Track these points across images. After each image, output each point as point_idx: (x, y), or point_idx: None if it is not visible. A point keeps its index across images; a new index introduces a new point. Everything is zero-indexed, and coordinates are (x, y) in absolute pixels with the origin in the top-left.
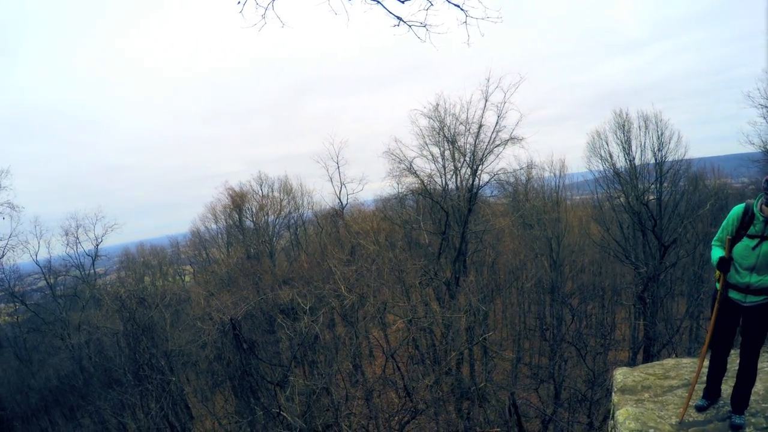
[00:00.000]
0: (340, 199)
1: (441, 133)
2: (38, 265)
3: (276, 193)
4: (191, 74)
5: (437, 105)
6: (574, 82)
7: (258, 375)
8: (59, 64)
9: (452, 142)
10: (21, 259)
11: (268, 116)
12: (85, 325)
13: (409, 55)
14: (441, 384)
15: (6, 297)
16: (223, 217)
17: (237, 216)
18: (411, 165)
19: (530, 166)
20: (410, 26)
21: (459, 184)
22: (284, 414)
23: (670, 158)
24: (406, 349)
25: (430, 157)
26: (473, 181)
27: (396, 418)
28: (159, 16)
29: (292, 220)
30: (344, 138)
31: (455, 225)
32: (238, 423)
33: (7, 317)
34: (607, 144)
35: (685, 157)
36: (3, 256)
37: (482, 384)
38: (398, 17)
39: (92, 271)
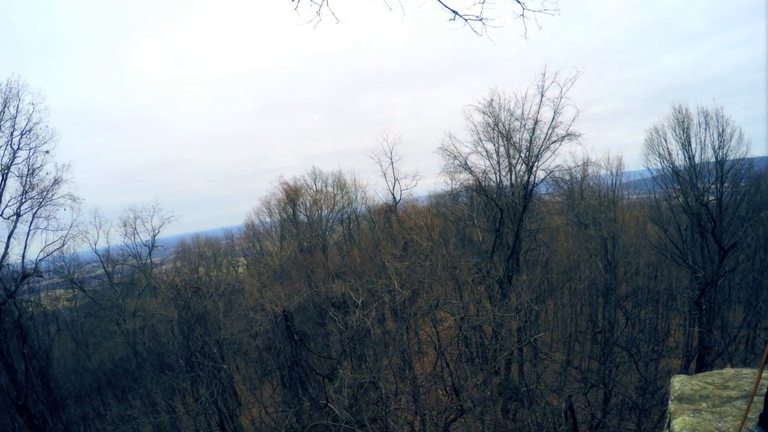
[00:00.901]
0: (393, 195)
1: (495, 128)
2: (97, 254)
3: (330, 188)
4: (248, 71)
5: (491, 100)
6: (631, 76)
7: (307, 366)
8: (120, 64)
9: (507, 138)
10: (81, 248)
11: (323, 112)
12: (141, 312)
13: (463, 50)
14: (489, 383)
15: (66, 283)
16: (277, 210)
17: (291, 210)
18: (466, 161)
19: (586, 163)
20: (466, 20)
21: (514, 181)
22: (331, 406)
23: (731, 157)
24: (456, 346)
25: (485, 153)
26: (528, 178)
27: (443, 416)
28: (217, 15)
29: (345, 215)
30: (398, 134)
31: (509, 222)
32: (285, 412)
33: (66, 302)
34: (666, 141)
35: (747, 156)
36: (64, 245)
37: (533, 385)
38: (454, 11)
39: (149, 260)
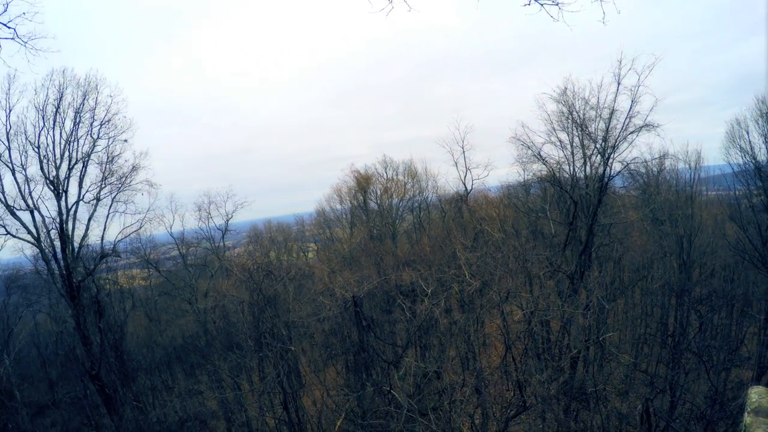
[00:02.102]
0: (464, 184)
1: (570, 118)
2: (172, 237)
3: (400, 177)
4: (325, 61)
5: (565, 89)
6: (710, 63)
7: (373, 352)
8: (196, 56)
9: (582, 127)
10: (157, 230)
11: (394, 101)
12: (213, 293)
13: (536, 36)
14: (554, 381)
15: (142, 263)
16: (348, 198)
17: (362, 197)
18: (539, 152)
19: (664, 156)
20: (542, 5)
21: (588, 173)
22: (394, 393)
23: None
24: (523, 341)
25: (558, 143)
26: (604, 170)
27: (505, 411)
28: (292, 6)
29: (416, 204)
30: (470, 122)
31: (582, 216)
32: (347, 396)
33: (141, 281)
34: (748, 134)
35: None
36: (141, 227)
37: (601, 386)
38: None
39: (221, 244)
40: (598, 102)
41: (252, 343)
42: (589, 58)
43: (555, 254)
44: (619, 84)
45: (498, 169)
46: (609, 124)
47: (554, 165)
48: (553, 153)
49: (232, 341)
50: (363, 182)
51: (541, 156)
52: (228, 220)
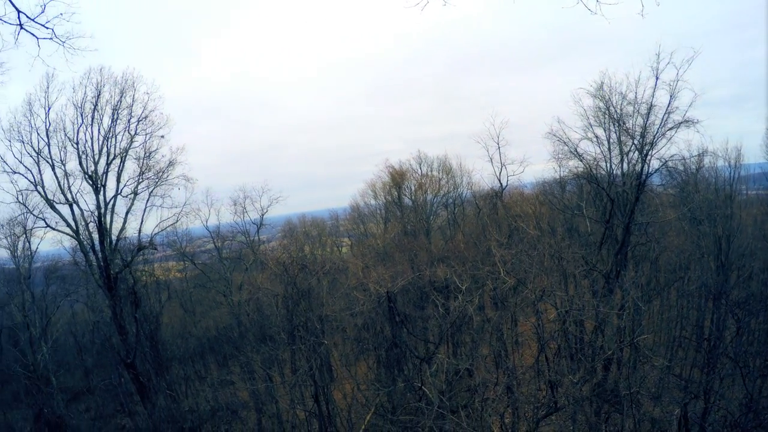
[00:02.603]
0: (499, 180)
1: (607, 113)
2: (208, 230)
3: (435, 172)
4: (358, 56)
5: (602, 83)
6: (750, 57)
7: (405, 348)
8: (234, 53)
9: (619, 123)
10: (193, 224)
11: (429, 96)
12: (247, 285)
13: (572, 29)
14: (585, 382)
15: (177, 256)
16: (382, 193)
17: (396, 193)
18: (576, 148)
19: (703, 153)
20: None
21: (626, 170)
22: (425, 389)
23: None
24: (557, 340)
25: (595, 139)
26: (642, 167)
27: (536, 411)
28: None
29: (450, 200)
30: (505, 118)
31: (619, 214)
32: (378, 391)
33: (177, 273)
34: None
35: None
36: (177, 221)
37: (635, 389)
38: None
39: (256, 237)
40: (635, 97)
41: (285, 336)
42: (625, 53)
43: (591, 253)
44: (657, 78)
45: (533, 165)
46: (647, 120)
47: (591, 161)
48: (589, 149)
49: (265, 334)
50: (397, 178)
51: (577, 152)
52: (263, 215)
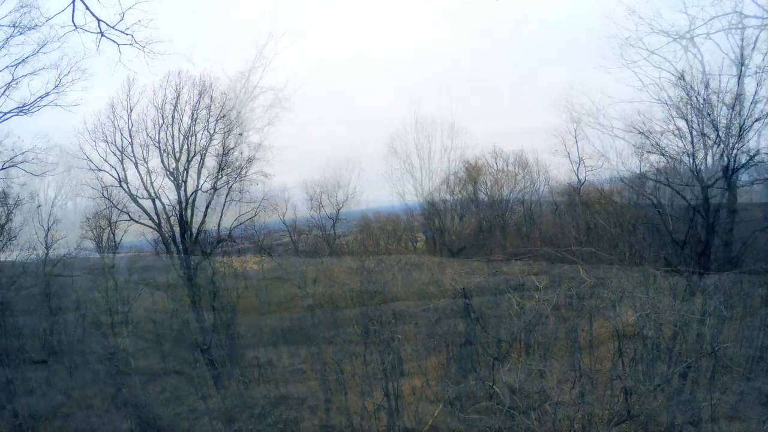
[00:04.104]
0: (577, 176)
1: (689, 104)
2: (284, 224)
3: (511, 168)
4: (432, 47)
5: (683, 72)
6: None
7: (479, 345)
8: (305, 50)
9: (703, 114)
10: (270, 218)
11: (505, 89)
12: (322, 279)
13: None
14: (661, 391)
15: (255, 249)
16: (457, 189)
17: (471, 188)
18: (657, 142)
19: None
20: None
21: (710, 165)
22: (497, 388)
23: None
24: (634, 345)
25: (677, 132)
26: (728, 162)
27: (611, 418)
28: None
29: (526, 195)
30: (582, 111)
31: (703, 212)
32: (447, 387)
33: (254, 265)
34: None
35: None
36: (255, 215)
37: (716, 401)
38: None
39: (332, 232)
40: (719, 85)
41: (358, 329)
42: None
43: (673, 253)
44: (742, 65)
45: (612, 160)
46: (732, 111)
47: (674, 155)
48: (671, 143)
49: (339, 326)
50: (473, 173)
51: (658, 146)
52: (339, 210)
